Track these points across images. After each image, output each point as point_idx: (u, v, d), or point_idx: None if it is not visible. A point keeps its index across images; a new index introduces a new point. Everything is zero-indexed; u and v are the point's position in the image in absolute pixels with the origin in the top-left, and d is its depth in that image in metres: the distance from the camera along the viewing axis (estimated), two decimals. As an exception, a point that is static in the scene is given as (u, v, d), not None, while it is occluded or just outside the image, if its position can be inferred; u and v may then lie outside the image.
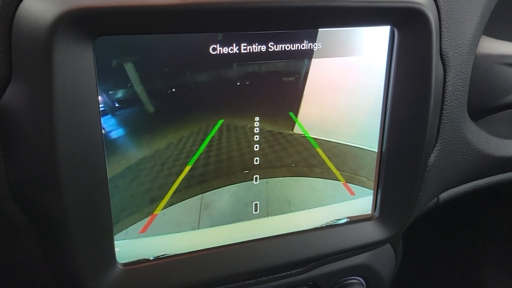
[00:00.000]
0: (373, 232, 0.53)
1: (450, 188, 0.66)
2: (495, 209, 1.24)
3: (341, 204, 0.52)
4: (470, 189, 0.69)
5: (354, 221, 0.53)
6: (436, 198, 0.66)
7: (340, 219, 0.53)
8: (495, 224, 1.26)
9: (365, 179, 0.52)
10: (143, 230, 0.44)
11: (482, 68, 0.58)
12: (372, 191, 0.53)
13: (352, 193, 0.52)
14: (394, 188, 0.53)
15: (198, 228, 0.47)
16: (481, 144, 0.61)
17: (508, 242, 1.22)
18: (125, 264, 0.44)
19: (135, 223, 0.44)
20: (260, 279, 0.52)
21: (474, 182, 0.68)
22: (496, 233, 1.27)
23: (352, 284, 0.61)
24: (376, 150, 0.52)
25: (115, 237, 0.43)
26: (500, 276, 1.27)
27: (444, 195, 0.66)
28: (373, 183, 0.53)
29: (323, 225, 0.52)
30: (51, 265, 0.43)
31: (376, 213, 0.54)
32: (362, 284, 0.62)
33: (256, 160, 0.46)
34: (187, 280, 0.46)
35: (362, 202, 0.53)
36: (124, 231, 0.44)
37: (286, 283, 0.56)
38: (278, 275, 0.53)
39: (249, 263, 0.48)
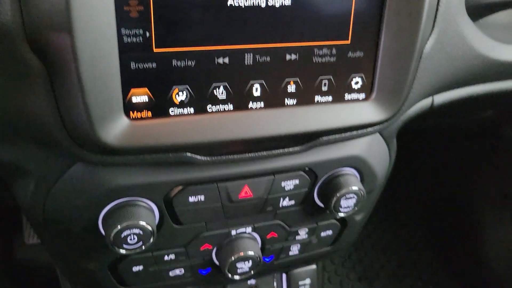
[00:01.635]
0: (369, 112, 0.56)
1: (446, 90, 0.68)
2: (496, 150, 1.27)
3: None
4: (465, 95, 0.71)
5: (351, 101, 0.55)
6: (431, 100, 0.68)
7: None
8: (496, 163, 1.29)
9: (363, 59, 0.54)
10: (150, 87, 0.47)
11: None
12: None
13: (350, 73, 0.54)
14: (390, 71, 0.55)
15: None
16: (477, 43, 0.63)
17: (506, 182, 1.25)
18: (131, 119, 0.47)
19: None
20: (258, 153, 0.55)
21: (469, 87, 0.70)
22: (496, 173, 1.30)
23: (346, 174, 0.64)
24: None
25: (123, 89, 0.46)
26: (496, 212, 1.30)
27: (439, 99, 0.69)
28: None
29: (322, 102, 0.54)
30: (62, 112, 0.45)
31: (373, 95, 0.56)
32: (356, 176, 0.65)
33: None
34: (188, 140, 0.49)
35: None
36: (131, 85, 0.46)
37: (284, 165, 0.59)
38: (276, 151, 0.55)
39: (250, 129, 0.51)
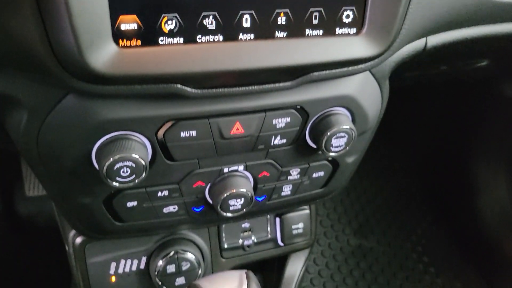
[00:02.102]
0: (360, 47, 0.55)
1: (439, 32, 0.67)
2: (493, 107, 1.27)
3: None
4: (460, 38, 0.70)
5: (342, 35, 0.55)
6: (424, 42, 0.68)
7: (328, 32, 0.55)
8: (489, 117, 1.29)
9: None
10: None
11: None
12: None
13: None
14: (381, 4, 0.54)
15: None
16: (472, -20, 0.62)
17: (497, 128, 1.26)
18: (121, 47, 0.47)
19: None
20: (249, 87, 0.55)
21: (464, 30, 0.70)
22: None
23: (337, 113, 0.64)
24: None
25: (111, 16, 0.45)
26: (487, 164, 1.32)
27: (433, 40, 0.68)
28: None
29: (312, 35, 0.54)
30: (50, 37, 0.45)
31: (364, 30, 0.56)
32: (347, 116, 0.65)
33: None
34: (177, 69, 0.49)
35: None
36: (120, 11, 0.46)
37: (276, 103, 0.59)
38: (267, 86, 0.56)
39: (239, 60, 0.51)
